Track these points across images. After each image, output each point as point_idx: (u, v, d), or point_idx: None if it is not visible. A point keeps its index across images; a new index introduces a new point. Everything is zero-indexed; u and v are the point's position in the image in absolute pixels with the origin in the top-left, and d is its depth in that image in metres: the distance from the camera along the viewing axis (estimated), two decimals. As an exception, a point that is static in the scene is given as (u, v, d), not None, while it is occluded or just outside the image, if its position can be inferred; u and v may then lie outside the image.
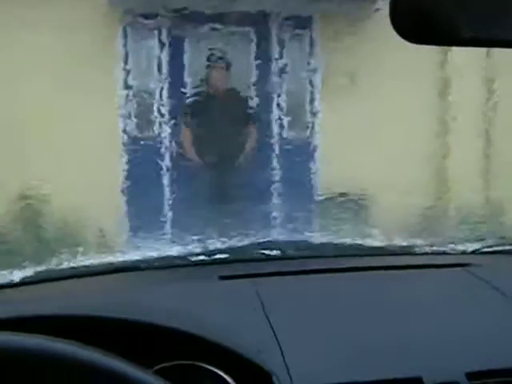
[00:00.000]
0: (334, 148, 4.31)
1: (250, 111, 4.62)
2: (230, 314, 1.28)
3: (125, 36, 4.75)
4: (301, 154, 4.63)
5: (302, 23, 4.81)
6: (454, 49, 4.23)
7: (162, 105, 4.71)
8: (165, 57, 4.79)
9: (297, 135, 4.82)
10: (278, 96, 4.74)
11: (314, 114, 4.85)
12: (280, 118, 4.78)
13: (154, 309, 1.26)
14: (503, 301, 1.36)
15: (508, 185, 4.31)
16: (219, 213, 3.85)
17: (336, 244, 1.85)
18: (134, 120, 4.73)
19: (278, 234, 2.85)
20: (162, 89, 4.73)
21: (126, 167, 4.49)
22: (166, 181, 4.51)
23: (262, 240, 1.85)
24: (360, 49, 4.39)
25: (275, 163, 4.67)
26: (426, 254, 1.74)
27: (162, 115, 4.69)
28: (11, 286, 1.47)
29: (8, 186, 3.82)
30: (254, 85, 4.68)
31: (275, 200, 4.41)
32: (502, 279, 1.45)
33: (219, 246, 1.84)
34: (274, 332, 1.21)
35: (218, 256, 1.67)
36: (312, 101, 4.87)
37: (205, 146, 4.53)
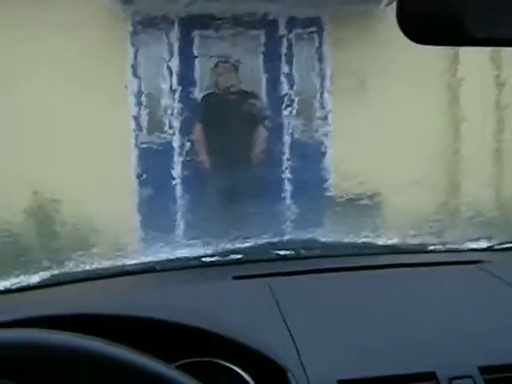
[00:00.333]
0: (345, 149, 4.31)
1: (260, 112, 4.64)
2: (244, 312, 1.30)
3: (134, 38, 4.78)
4: (312, 155, 4.64)
5: (312, 25, 4.82)
6: (464, 50, 4.23)
7: (173, 107, 4.73)
8: (175, 59, 4.81)
9: (307, 136, 4.83)
10: (289, 98, 4.75)
11: (324, 116, 4.86)
12: (290, 120, 4.80)
13: (171, 308, 1.28)
14: None
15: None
16: (231, 214, 3.86)
17: (348, 243, 1.86)
18: (145, 122, 4.76)
19: (290, 235, 2.86)
20: (172, 91, 4.76)
21: (138, 170, 4.51)
22: (178, 183, 4.53)
23: (274, 240, 1.86)
24: (370, 51, 4.40)
25: (286, 164, 4.68)
26: (438, 251, 1.75)
27: (173, 117, 4.71)
28: (28, 288, 1.50)
29: (19, 191, 3.85)
30: (263, 86, 4.70)
31: (287, 201, 4.42)
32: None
33: (232, 246, 1.86)
34: (289, 330, 1.22)
35: (231, 257, 1.69)
36: (322, 102, 4.88)
37: (216, 148, 4.55)
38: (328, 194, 4.09)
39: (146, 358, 0.87)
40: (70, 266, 1.83)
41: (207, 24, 4.37)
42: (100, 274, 1.62)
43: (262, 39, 4.79)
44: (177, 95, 4.75)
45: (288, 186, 4.55)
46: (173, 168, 4.52)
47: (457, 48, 4.48)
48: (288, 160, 4.69)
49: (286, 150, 4.75)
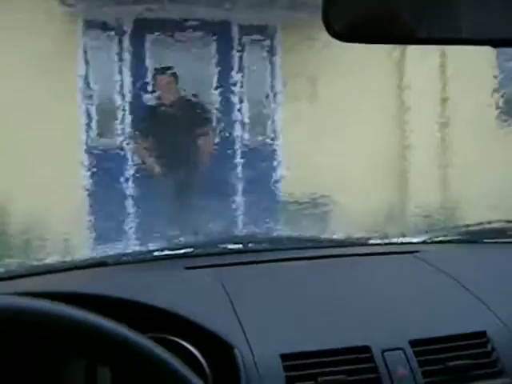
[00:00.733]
0: (295, 151, 4.40)
1: (206, 117, 4.67)
2: (196, 297, 1.38)
3: (85, 43, 4.78)
4: (262, 157, 4.72)
5: (263, 31, 4.90)
6: (412, 52, 4.37)
7: (124, 111, 4.76)
8: (125, 65, 4.84)
9: (258, 139, 4.91)
10: (239, 102, 4.82)
11: (274, 119, 4.94)
12: (241, 124, 4.87)
13: (125, 288, 1.34)
14: (446, 281, 1.48)
15: (463, 184, 4.46)
16: (182, 213, 3.92)
17: (294, 237, 1.94)
18: (95, 126, 4.78)
19: (238, 230, 2.93)
20: (122, 96, 4.79)
21: (88, 172, 4.51)
22: (128, 184, 4.56)
23: (224, 235, 1.93)
24: (321, 54, 4.49)
25: (236, 165, 4.75)
26: (380, 244, 1.85)
27: (122, 122, 4.73)
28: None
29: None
30: (214, 91, 4.75)
31: (237, 199, 4.50)
32: (445, 263, 1.58)
33: (183, 241, 1.92)
34: (236, 313, 1.31)
35: (182, 250, 1.75)
36: (273, 106, 4.96)
37: (162, 153, 4.59)
38: (277, 193, 4.18)
39: (118, 325, 0.88)
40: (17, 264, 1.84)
41: (159, 29, 4.41)
42: (48, 268, 1.61)
43: (214, 45, 4.86)
44: (127, 100, 4.79)
45: (238, 186, 4.63)
46: (123, 171, 4.56)
47: (405, 51, 4.63)
48: (238, 161, 4.76)
49: (237, 152, 4.82)
